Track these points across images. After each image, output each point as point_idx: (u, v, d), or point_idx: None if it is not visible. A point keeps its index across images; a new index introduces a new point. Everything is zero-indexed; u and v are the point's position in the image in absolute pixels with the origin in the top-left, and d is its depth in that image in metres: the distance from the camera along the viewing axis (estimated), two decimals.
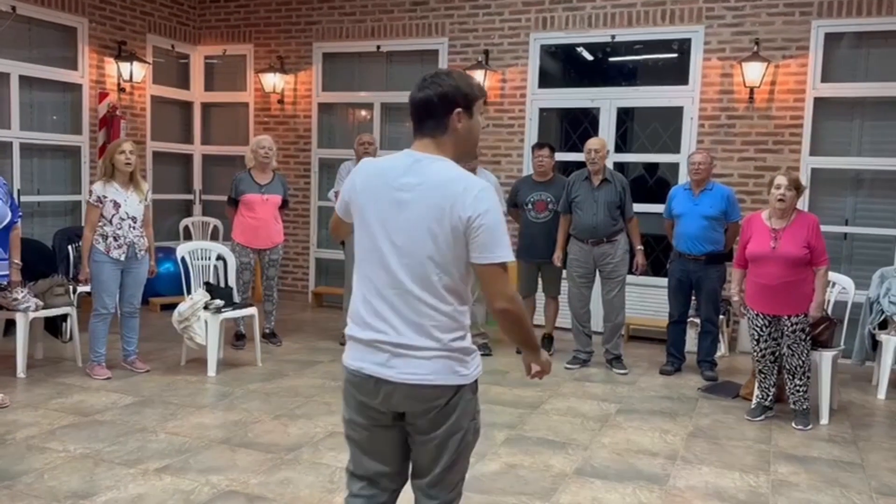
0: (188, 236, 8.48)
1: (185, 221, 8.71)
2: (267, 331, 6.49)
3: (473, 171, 2.06)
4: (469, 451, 2.23)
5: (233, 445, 4.04)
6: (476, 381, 2.19)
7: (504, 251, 2.06)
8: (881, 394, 5.40)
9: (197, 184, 9.03)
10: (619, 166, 7.41)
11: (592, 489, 3.62)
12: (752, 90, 6.61)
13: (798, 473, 3.90)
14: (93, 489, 3.43)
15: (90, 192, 5.14)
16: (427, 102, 2.11)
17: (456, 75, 2.17)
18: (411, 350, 2.08)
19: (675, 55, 7.17)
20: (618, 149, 7.32)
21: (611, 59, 7.56)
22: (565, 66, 7.86)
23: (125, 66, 7.72)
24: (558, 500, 3.50)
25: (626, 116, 7.41)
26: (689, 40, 6.92)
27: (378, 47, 8.04)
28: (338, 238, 2.49)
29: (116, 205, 5.13)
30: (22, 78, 6.95)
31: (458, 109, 2.11)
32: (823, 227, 6.54)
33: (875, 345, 5.64)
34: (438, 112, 2.11)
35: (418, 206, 2.06)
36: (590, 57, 7.66)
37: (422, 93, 2.13)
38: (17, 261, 4.77)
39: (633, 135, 7.53)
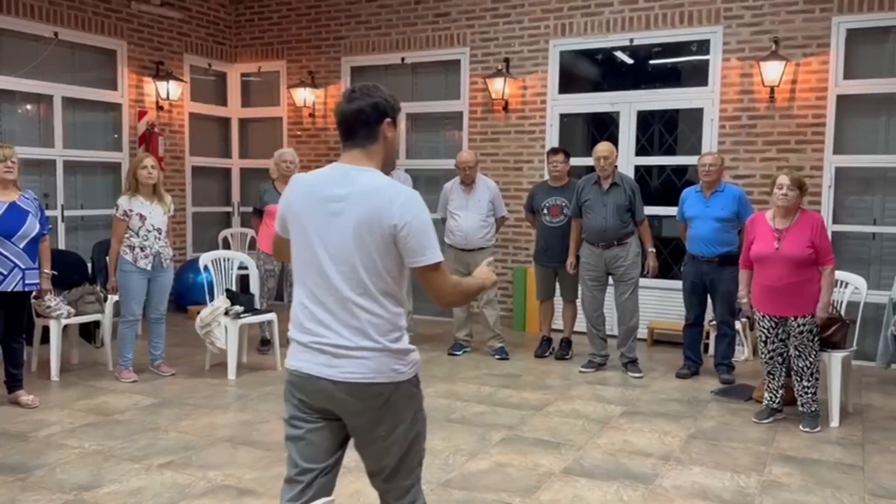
0: (227, 247, 8.79)
1: (225, 233, 9.03)
2: None
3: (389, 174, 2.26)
4: (420, 440, 2.30)
5: (236, 443, 4.23)
6: (416, 375, 2.27)
7: (432, 252, 2.15)
8: None
9: (235, 196, 9.37)
10: (643, 170, 7.41)
11: (576, 487, 3.66)
12: (772, 89, 6.52)
13: (792, 475, 3.86)
14: (97, 482, 3.65)
15: (116, 206, 5.43)
16: (360, 113, 2.20)
17: (383, 88, 2.26)
18: (352, 351, 2.15)
19: (694, 57, 7.12)
20: (643, 152, 7.30)
21: (630, 62, 7.56)
22: (585, 72, 7.88)
23: (163, 85, 8.10)
24: (539, 497, 3.55)
25: (651, 119, 7.39)
26: (707, 41, 6.88)
27: (403, 59, 8.22)
28: (279, 258, 2.54)
29: (142, 217, 5.41)
30: (65, 99, 7.38)
31: (388, 119, 2.23)
32: (850, 227, 6.49)
33: None
34: (371, 121, 2.21)
35: (349, 216, 2.14)
36: (609, 61, 7.67)
37: (354, 104, 2.20)
38: (48, 270, 5.08)
39: (658, 137, 7.50)
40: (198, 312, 6.33)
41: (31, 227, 4.82)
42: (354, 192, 2.15)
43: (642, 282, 6.05)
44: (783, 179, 4.55)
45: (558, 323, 6.67)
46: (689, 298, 5.80)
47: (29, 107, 7.32)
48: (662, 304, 7.00)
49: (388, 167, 2.29)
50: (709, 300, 5.78)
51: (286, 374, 2.29)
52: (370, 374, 2.15)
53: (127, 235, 5.41)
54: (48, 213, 6.80)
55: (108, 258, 6.68)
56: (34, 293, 5.14)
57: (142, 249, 5.42)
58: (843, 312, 4.96)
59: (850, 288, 5.11)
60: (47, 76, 7.23)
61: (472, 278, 2.40)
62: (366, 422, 2.20)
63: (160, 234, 5.50)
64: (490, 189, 6.38)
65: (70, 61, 7.54)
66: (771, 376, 4.77)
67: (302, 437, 2.26)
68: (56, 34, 7.23)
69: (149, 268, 5.46)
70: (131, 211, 5.40)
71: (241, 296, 6.01)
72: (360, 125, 2.21)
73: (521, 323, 7.65)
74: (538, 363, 6.28)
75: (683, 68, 7.37)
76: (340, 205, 2.16)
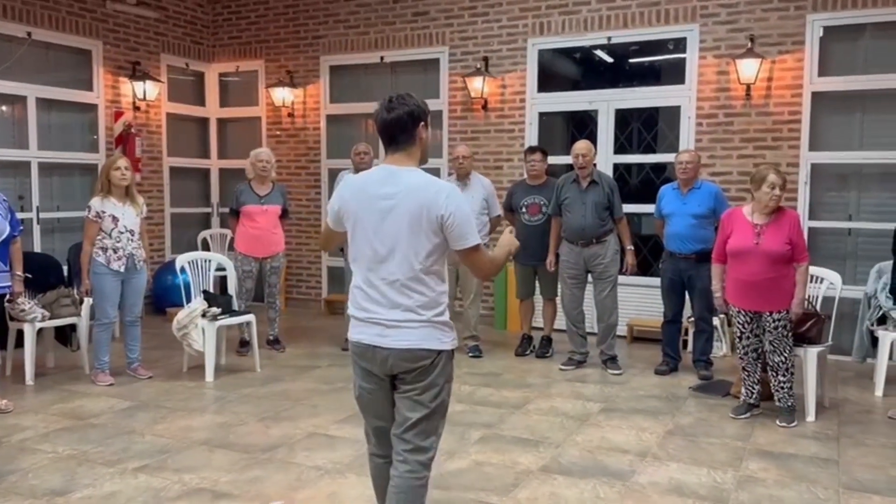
0: (206, 248, 8.73)
1: (204, 234, 8.97)
2: (271, 337, 6.66)
3: None
4: (444, 410, 2.68)
5: (212, 446, 4.19)
6: (453, 350, 2.66)
7: (473, 236, 2.56)
8: (878, 391, 5.31)
9: (214, 197, 9.31)
10: (622, 168, 7.42)
11: (553, 485, 3.66)
12: (748, 87, 6.56)
13: (768, 469, 3.88)
14: (71, 487, 3.61)
15: (88, 207, 5.36)
16: (399, 121, 2.56)
17: (414, 95, 2.63)
18: (401, 323, 2.55)
19: (671, 55, 7.15)
20: (622, 150, 7.32)
21: (608, 61, 7.58)
22: (564, 70, 7.90)
23: (139, 86, 8.03)
24: (517, 495, 3.55)
25: (630, 117, 7.41)
26: (684, 39, 6.91)
27: (382, 58, 8.20)
28: (327, 247, 2.93)
29: (115, 219, 5.36)
30: (39, 100, 7.28)
31: (422, 123, 2.60)
32: (826, 223, 6.55)
33: (875, 341, 5.53)
34: (408, 127, 2.57)
35: (401, 209, 2.51)
36: (587, 60, 7.69)
37: (393, 114, 2.56)
38: (20, 273, 5.01)
39: (637, 135, 7.52)
40: (176, 315, 6.27)
41: (2, 228, 4.75)
42: (403, 189, 2.52)
43: (622, 279, 6.08)
44: (775, 179, 4.52)
45: (539, 321, 6.67)
46: (667, 295, 5.82)
47: (3, 108, 7.22)
48: (642, 301, 7.03)
49: (423, 163, 2.66)
50: (687, 297, 5.81)
51: (350, 347, 2.69)
52: (417, 341, 2.55)
53: (99, 237, 5.35)
54: (24, 215, 6.77)
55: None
56: (7, 297, 5.07)
57: (115, 251, 5.36)
58: (818, 308, 5.00)
59: (825, 283, 5.15)
60: (21, 77, 7.14)
61: (500, 248, 2.76)
62: (410, 379, 2.59)
63: (133, 235, 5.44)
64: (485, 188, 6.37)
65: (44, 61, 7.45)
66: (746, 372, 4.80)
67: (365, 399, 2.71)
68: (29, 34, 7.15)
69: (122, 269, 5.40)
70: (104, 212, 5.34)
71: (218, 297, 5.97)
72: (400, 131, 2.58)
73: (502, 321, 7.66)
74: (519, 361, 6.29)
75: (661, 66, 7.40)
76: (392, 201, 2.53)
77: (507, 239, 2.77)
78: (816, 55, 6.42)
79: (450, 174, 6.57)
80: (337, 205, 2.68)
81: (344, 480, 3.72)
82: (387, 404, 2.68)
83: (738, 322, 4.72)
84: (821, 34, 6.42)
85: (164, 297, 8.05)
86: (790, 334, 4.61)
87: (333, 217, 2.71)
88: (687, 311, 5.96)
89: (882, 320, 5.47)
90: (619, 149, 7.32)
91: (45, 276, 5.93)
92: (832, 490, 3.62)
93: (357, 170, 6.23)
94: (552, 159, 6.60)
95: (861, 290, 5.77)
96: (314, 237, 8.78)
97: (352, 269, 2.68)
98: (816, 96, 6.46)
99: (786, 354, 4.61)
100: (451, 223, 2.49)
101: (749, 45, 6.52)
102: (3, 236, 4.75)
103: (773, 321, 4.57)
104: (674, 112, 7.04)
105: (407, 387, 2.59)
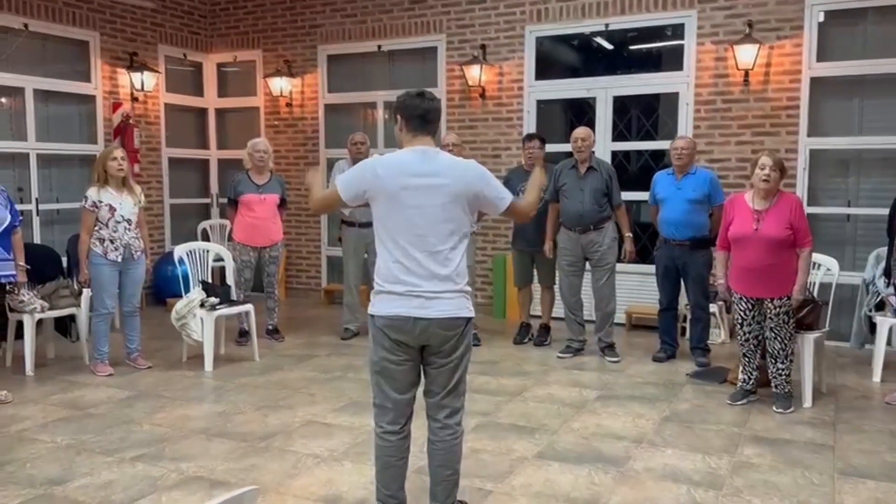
0: (206, 239, 8.73)
1: (203, 224, 8.97)
2: (269, 327, 6.67)
3: None
4: (466, 372, 2.95)
5: (210, 435, 4.21)
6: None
7: (506, 194, 2.94)
8: (876, 377, 5.31)
9: (213, 187, 9.31)
10: (621, 155, 7.40)
11: (548, 471, 3.68)
12: (746, 73, 6.53)
13: (763, 455, 3.89)
14: (68, 476, 3.63)
15: (85, 198, 5.37)
16: (437, 109, 2.92)
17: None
18: (441, 294, 2.77)
19: (669, 42, 7.12)
20: (621, 137, 7.30)
21: (606, 48, 7.55)
22: (562, 58, 7.86)
23: (137, 76, 8.02)
24: (511, 481, 3.56)
25: (628, 104, 7.38)
26: (682, 25, 6.88)
27: (379, 47, 8.17)
28: (323, 212, 3.07)
29: (112, 209, 5.36)
30: (36, 91, 7.28)
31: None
32: (825, 209, 6.53)
33: (873, 327, 5.52)
34: (438, 118, 2.95)
35: (441, 186, 2.77)
36: (585, 47, 7.66)
37: (434, 102, 2.90)
38: (22, 263, 5.02)
39: (636, 122, 7.49)
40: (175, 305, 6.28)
41: (2, 217, 4.76)
42: (444, 167, 2.81)
43: (620, 267, 6.07)
44: (765, 160, 4.52)
45: (537, 309, 6.67)
46: (661, 282, 5.82)
47: (1, 100, 7.22)
48: (640, 288, 7.03)
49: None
50: (682, 284, 5.80)
51: (377, 321, 2.83)
52: (454, 310, 2.80)
53: (96, 228, 5.36)
54: (23, 207, 6.77)
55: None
56: (9, 286, 5.09)
57: (112, 241, 5.37)
58: (815, 294, 5.00)
59: (822, 269, 5.14)
60: (18, 68, 7.13)
61: (531, 188, 3.10)
62: (448, 348, 2.83)
63: (130, 225, 5.44)
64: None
65: (41, 53, 7.44)
66: (747, 358, 4.80)
67: (391, 371, 2.85)
68: (26, 25, 7.14)
69: (119, 260, 5.41)
70: (100, 202, 5.34)
71: (216, 287, 5.99)
72: (436, 118, 2.92)
73: (500, 310, 7.66)
74: (517, 349, 6.30)
75: (659, 53, 7.36)
76: (433, 179, 2.77)
77: (538, 177, 3.08)
78: (815, 40, 6.38)
79: None
80: (366, 185, 2.82)
81: (341, 468, 3.74)
82: (412, 376, 2.88)
83: (740, 308, 4.71)
84: (821, 19, 6.39)
85: (163, 288, 8.07)
86: (791, 321, 4.60)
87: (354, 192, 2.86)
88: (683, 298, 5.96)
89: (880, 306, 5.46)
90: (618, 136, 7.30)
91: (44, 267, 5.93)
92: (827, 475, 3.63)
93: (354, 160, 6.22)
94: (551, 147, 6.58)
95: (859, 276, 5.76)
96: (313, 227, 8.78)
97: (385, 246, 2.82)
98: (815, 81, 6.43)
99: (786, 341, 4.61)
100: (486, 193, 2.84)
101: (747, 30, 6.49)
102: (5, 225, 4.76)
103: (775, 307, 4.56)
104: (672, 99, 7.01)
105: (444, 360, 2.83)
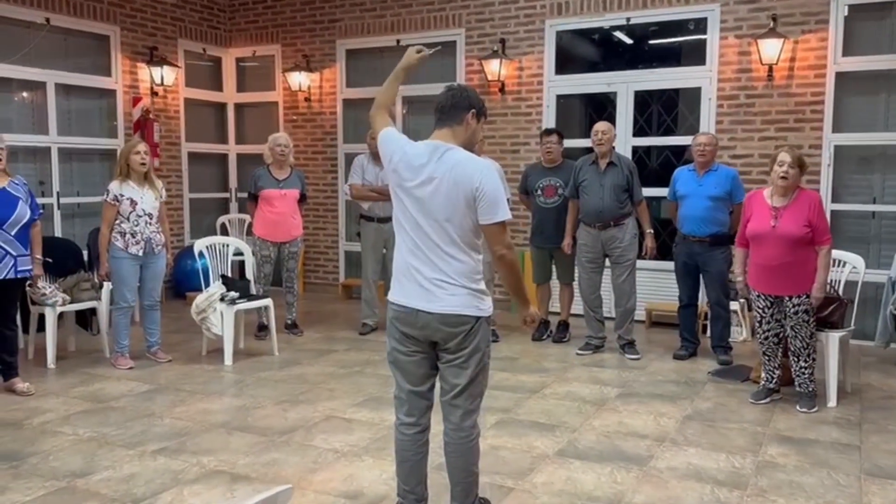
0: (225, 233, 8.76)
1: (222, 219, 9.00)
2: (289, 321, 6.68)
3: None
4: (486, 372, 2.89)
5: (230, 429, 4.22)
6: (490, 315, 2.85)
7: (502, 212, 2.72)
8: None
9: (232, 182, 9.33)
10: (642, 151, 7.34)
11: (570, 469, 3.65)
12: (770, 67, 6.45)
13: (787, 455, 3.84)
14: (91, 469, 3.65)
15: (107, 191, 5.39)
16: (451, 97, 2.81)
17: (473, 91, 2.90)
18: (444, 288, 2.73)
19: (691, 36, 7.04)
20: (641, 132, 7.24)
21: (627, 42, 7.48)
22: (582, 52, 7.80)
23: (157, 71, 8.04)
24: (533, 479, 3.54)
25: (649, 99, 7.31)
26: (705, 19, 6.79)
27: (398, 41, 8.14)
28: (374, 110, 3.00)
29: (133, 202, 5.38)
30: (58, 86, 7.32)
31: (473, 110, 2.82)
32: (850, 206, 6.44)
33: None
34: (459, 105, 2.80)
35: (438, 182, 2.70)
36: (606, 41, 7.59)
37: (449, 92, 2.83)
38: (39, 256, 5.05)
39: (657, 118, 7.43)
40: (195, 299, 6.31)
41: (23, 213, 4.78)
42: (443, 163, 2.71)
43: (640, 263, 6.02)
44: (784, 157, 4.48)
45: (556, 306, 6.64)
46: (681, 279, 5.77)
47: (23, 94, 7.27)
48: (660, 285, 6.97)
49: (467, 150, 2.82)
50: (701, 282, 5.74)
51: (389, 310, 2.86)
52: (457, 307, 2.73)
53: (118, 221, 5.38)
54: (44, 201, 6.83)
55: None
56: (28, 280, 5.13)
57: (132, 235, 5.39)
58: (840, 292, 4.92)
59: (847, 267, 5.07)
60: (40, 63, 7.17)
61: (528, 294, 3.03)
62: (454, 345, 2.77)
63: (151, 219, 5.46)
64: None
65: (63, 47, 7.48)
66: (767, 357, 4.74)
67: (401, 361, 2.88)
68: (48, 20, 7.17)
69: (140, 254, 5.43)
70: (122, 196, 5.37)
71: (236, 281, 6.00)
72: (450, 107, 2.80)
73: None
74: (535, 346, 6.26)
75: (681, 47, 7.29)
76: (431, 174, 2.71)
77: (535, 310, 3.06)
78: (841, 34, 6.29)
79: None
80: (391, 151, 2.82)
81: (361, 463, 3.73)
82: (424, 369, 2.87)
83: (759, 306, 4.66)
84: (846, 13, 6.29)
85: (183, 282, 8.11)
86: (811, 319, 4.54)
87: (386, 141, 2.86)
88: (703, 295, 5.89)
89: None
90: (639, 131, 7.23)
91: (65, 260, 5.99)
92: (853, 476, 3.58)
93: (373, 155, 6.21)
94: (569, 142, 6.54)
95: (885, 273, 5.67)
96: (331, 222, 8.78)
97: (400, 235, 2.84)
98: (840, 76, 6.34)
99: (807, 339, 4.55)
100: (481, 197, 2.67)
101: (771, 24, 6.40)
102: (25, 220, 4.78)
103: (794, 306, 4.51)
104: (694, 94, 6.94)
105: (451, 356, 2.79)
